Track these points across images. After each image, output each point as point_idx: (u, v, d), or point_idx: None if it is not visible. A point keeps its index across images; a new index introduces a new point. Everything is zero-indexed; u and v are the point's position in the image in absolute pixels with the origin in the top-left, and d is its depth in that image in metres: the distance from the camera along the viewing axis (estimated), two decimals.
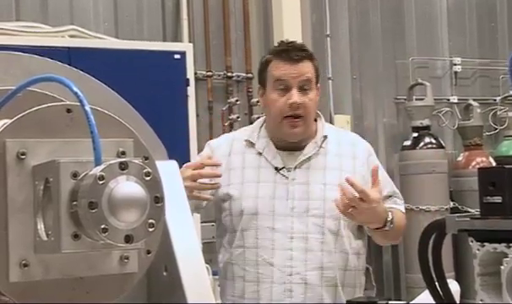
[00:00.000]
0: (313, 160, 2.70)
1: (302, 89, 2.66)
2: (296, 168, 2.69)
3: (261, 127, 2.78)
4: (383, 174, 2.78)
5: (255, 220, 2.65)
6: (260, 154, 2.72)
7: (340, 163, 2.72)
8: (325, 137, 2.74)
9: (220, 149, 2.80)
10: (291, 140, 2.71)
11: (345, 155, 2.74)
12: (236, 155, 2.74)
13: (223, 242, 2.76)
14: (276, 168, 2.69)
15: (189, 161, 2.62)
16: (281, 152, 2.71)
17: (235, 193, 2.69)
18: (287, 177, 2.68)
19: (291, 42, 2.80)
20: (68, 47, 4.47)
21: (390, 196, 2.80)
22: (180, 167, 1.54)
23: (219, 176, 2.65)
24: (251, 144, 2.75)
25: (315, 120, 2.78)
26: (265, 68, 2.73)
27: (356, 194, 2.46)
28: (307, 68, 2.69)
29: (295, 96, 2.64)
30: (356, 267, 2.74)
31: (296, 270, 2.62)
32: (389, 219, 2.59)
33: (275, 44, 2.91)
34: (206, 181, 2.64)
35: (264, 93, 2.74)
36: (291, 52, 2.69)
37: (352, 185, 2.46)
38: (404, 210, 2.83)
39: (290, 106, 2.65)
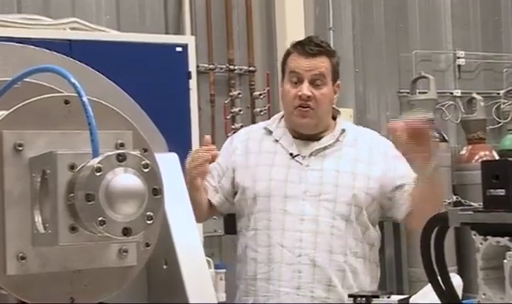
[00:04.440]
0: (328, 149, 2.76)
1: (315, 83, 2.72)
2: (311, 155, 2.74)
3: (281, 118, 2.86)
4: (403, 165, 2.72)
5: (268, 203, 2.71)
6: (277, 141, 2.79)
7: (355, 153, 2.76)
8: (343, 130, 2.80)
9: (238, 136, 2.93)
10: (301, 131, 2.77)
11: (361, 147, 2.78)
12: (253, 141, 2.83)
13: (238, 227, 2.82)
14: (291, 154, 2.75)
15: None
16: (298, 141, 2.78)
17: (249, 176, 2.76)
18: (301, 164, 2.74)
19: (310, 37, 2.92)
20: (70, 40, 4.46)
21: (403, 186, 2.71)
22: (180, 161, 1.53)
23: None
24: (269, 132, 2.83)
25: (334, 118, 2.83)
26: (285, 60, 2.81)
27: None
28: (321, 63, 2.73)
29: (305, 89, 2.70)
30: (369, 257, 2.76)
31: (304, 251, 2.66)
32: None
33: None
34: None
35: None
36: (306, 46, 2.75)
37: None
38: None
39: (299, 98, 2.71)
